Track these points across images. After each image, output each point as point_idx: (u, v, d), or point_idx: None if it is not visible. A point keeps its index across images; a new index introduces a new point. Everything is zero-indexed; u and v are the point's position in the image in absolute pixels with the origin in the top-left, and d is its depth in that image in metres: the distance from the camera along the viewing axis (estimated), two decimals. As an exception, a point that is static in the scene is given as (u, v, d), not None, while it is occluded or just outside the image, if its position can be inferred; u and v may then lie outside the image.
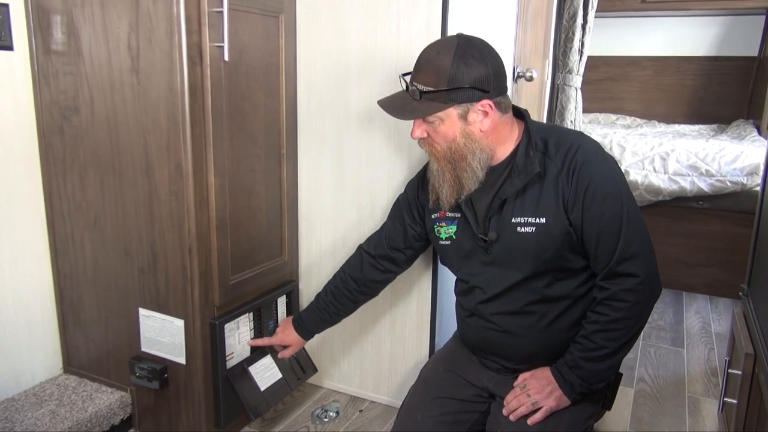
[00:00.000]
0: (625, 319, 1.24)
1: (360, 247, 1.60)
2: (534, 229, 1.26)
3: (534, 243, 1.26)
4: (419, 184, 1.50)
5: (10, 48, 1.57)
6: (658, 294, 1.28)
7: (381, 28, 1.65)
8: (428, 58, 1.24)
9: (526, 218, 1.27)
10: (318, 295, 1.63)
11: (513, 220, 1.28)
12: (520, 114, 1.34)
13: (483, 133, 1.26)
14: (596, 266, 1.27)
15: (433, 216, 1.43)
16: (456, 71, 1.20)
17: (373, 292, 1.62)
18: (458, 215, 1.38)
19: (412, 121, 1.29)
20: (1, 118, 1.58)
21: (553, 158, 1.26)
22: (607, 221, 1.22)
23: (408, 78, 1.29)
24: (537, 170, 1.25)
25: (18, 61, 1.59)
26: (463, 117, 1.24)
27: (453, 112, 1.23)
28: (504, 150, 1.31)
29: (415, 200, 1.50)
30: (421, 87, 1.24)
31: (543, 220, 1.25)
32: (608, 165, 1.26)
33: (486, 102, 1.23)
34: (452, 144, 1.26)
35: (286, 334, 1.67)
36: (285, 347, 1.69)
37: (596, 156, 1.26)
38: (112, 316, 1.67)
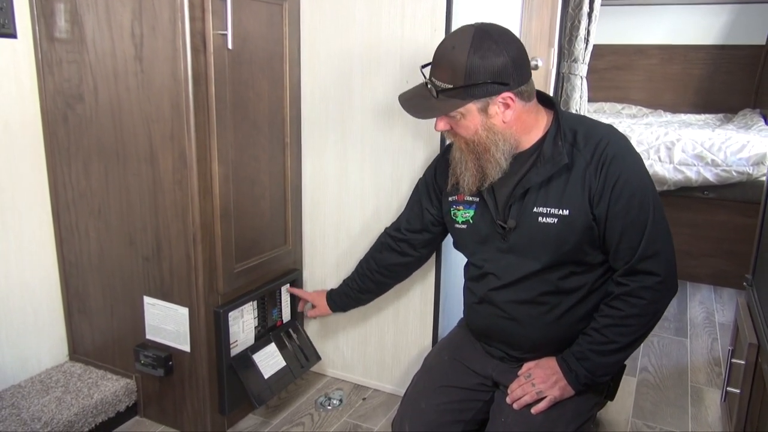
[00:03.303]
0: (639, 316, 1.24)
1: (384, 230, 1.63)
2: (556, 220, 1.25)
3: (555, 234, 1.25)
4: (437, 167, 1.49)
5: (13, 36, 1.56)
6: (674, 294, 1.28)
7: (385, 15, 1.64)
8: (444, 54, 1.22)
9: (549, 209, 1.26)
10: (350, 274, 1.70)
11: (535, 210, 1.27)
12: (548, 101, 1.32)
13: (506, 124, 1.24)
14: (616, 262, 1.26)
15: (450, 199, 1.43)
16: (472, 66, 1.17)
17: (394, 275, 1.64)
18: (477, 200, 1.37)
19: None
20: (6, 107, 1.58)
21: (582, 150, 1.24)
22: (633, 218, 1.21)
23: (427, 71, 1.27)
24: (565, 161, 1.23)
25: (22, 49, 1.59)
26: (484, 111, 1.22)
27: (473, 107, 1.21)
28: (530, 138, 1.29)
29: (433, 182, 1.49)
30: (438, 84, 1.22)
31: (566, 212, 1.24)
32: (637, 162, 1.25)
33: (507, 94, 1.20)
34: (474, 137, 1.25)
35: (318, 294, 1.78)
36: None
37: (626, 152, 1.24)
38: (117, 304, 1.68)
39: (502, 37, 1.19)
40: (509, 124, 1.24)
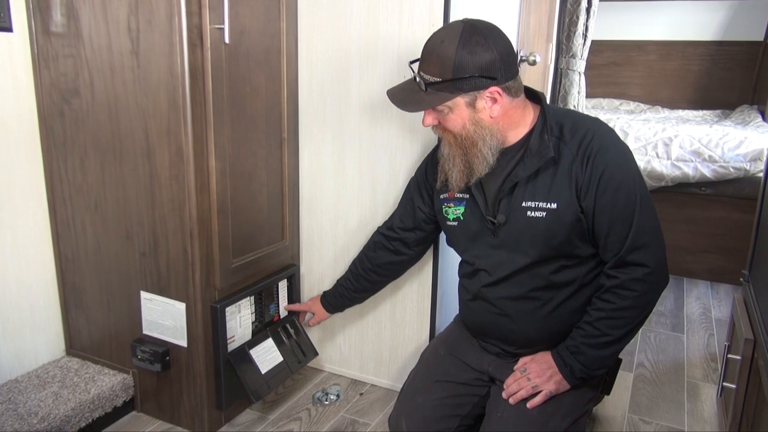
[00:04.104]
0: (631, 308, 1.24)
1: (377, 229, 1.64)
2: (545, 214, 1.25)
3: (543, 228, 1.26)
4: (427, 165, 1.50)
5: (9, 29, 1.56)
6: (665, 285, 1.28)
7: (383, 10, 1.64)
8: (433, 48, 1.22)
9: (537, 203, 1.26)
10: (344, 274, 1.71)
11: (523, 204, 1.27)
12: (535, 96, 1.33)
13: (493, 119, 1.25)
14: (605, 254, 1.27)
15: (441, 196, 1.43)
16: (461, 60, 1.18)
17: (388, 273, 1.65)
18: (467, 196, 1.37)
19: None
20: (1, 101, 1.57)
21: (568, 144, 1.25)
22: (620, 210, 1.22)
23: (415, 66, 1.28)
24: (551, 155, 1.24)
25: (17, 43, 1.58)
26: (471, 105, 1.23)
27: (461, 101, 1.22)
28: (517, 133, 1.29)
29: (424, 181, 1.50)
30: (427, 78, 1.22)
31: (554, 206, 1.25)
32: (623, 153, 1.25)
33: (494, 89, 1.21)
34: (462, 131, 1.26)
35: (314, 302, 1.78)
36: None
37: (612, 143, 1.24)
38: (114, 299, 1.68)
39: (490, 33, 1.20)
40: (496, 119, 1.25)
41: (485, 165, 1.27)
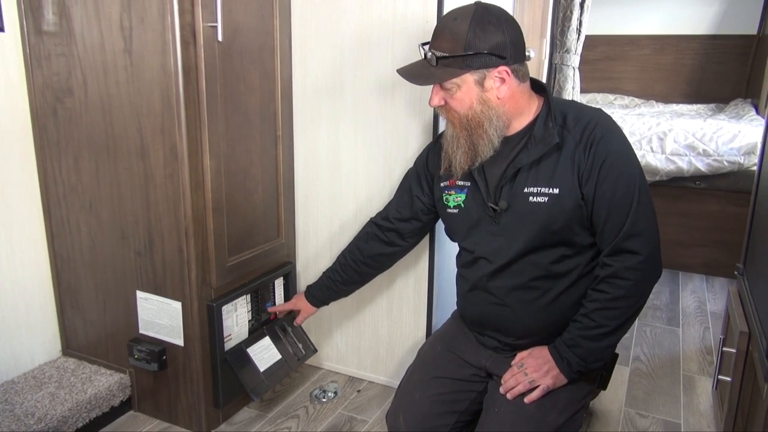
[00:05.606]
0: (625, 297, 1.25)
1: (370, 219, 1.62)
2: (546, 199, 1.26)
3: (545, 213, 1.27)
4: (428, 154, 1.50)
5: (1, 29, 1.55)
6: (658, 275, 1.29)
7: (377, 6, 1.63)
8: (445, 25, 1.25)
9: (539, 188, 1.27)
10: (331, 265, 1.68)
11: (526, 190, 1.28)
12: (540, 88, 1.34)
13: (500, 100, 1.26)
14: (602, 242, 1.28)
15: (442, 184, 1.44)
16: (472, 37, 1.20)
17: (379, 265, 1.63)
18: (468, 184, 1.38)
19: (429, 89, 1.30)
20: (-6, 101, 1.57)
21: (572, 131, 1.27)
22: (619, 198, 1.23)
23: (426, 46, 1.29)
24: (556, 141, 1.25)
25: (9, 43, 1.57)
26: (480, 83, 1.24)
27: (469, 78, 1.23)
28: (521, 121, 1.31)
29: (424, 170, 1.50)
30: (437, 53, 1.24)
31: (556, 191, 1.26)
32: (625, 143, 1.27)
33: (503, 68, 1.23)
34: (469, 111, 1.27)
35: (298, 299, 1.75)
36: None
37: (614, 133, 1.27)
38: (110, 298, 1.68)
39: (502, 16, 1.24)
40: (503, 100, 1.26)
41: (490, 147, 1.28)
